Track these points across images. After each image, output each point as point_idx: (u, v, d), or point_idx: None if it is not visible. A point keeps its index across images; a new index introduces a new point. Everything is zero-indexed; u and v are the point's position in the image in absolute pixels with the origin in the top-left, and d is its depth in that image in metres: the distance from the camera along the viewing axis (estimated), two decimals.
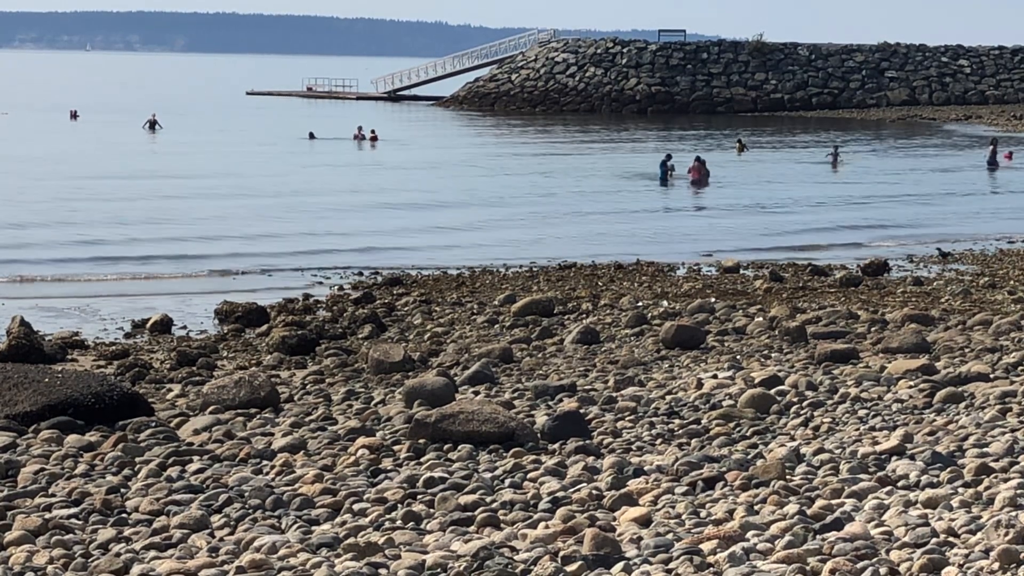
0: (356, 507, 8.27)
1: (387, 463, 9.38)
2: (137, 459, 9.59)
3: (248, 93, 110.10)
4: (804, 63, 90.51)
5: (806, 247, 26.97)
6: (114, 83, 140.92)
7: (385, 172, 45.08)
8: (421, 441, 9.82)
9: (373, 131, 59.09)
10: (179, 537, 7.72)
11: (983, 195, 39.41)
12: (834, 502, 7.98)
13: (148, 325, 17.19)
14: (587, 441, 9.83)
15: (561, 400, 11.60)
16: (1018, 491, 7.76)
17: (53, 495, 8.68)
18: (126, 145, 55.08)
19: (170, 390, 13.10)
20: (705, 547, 7.07)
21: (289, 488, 8.71)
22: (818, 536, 7.21)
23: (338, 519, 8.10)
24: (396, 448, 9.79)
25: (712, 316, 16.87)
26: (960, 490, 8.07)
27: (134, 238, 27.07)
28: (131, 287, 21.60)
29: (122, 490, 8.76)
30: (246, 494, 8.51)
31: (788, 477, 8.62)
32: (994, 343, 13.95)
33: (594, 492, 8.40)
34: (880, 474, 8.52)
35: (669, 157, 41.72)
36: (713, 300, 18.18)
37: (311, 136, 59.47)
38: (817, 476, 8.66)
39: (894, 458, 8.92)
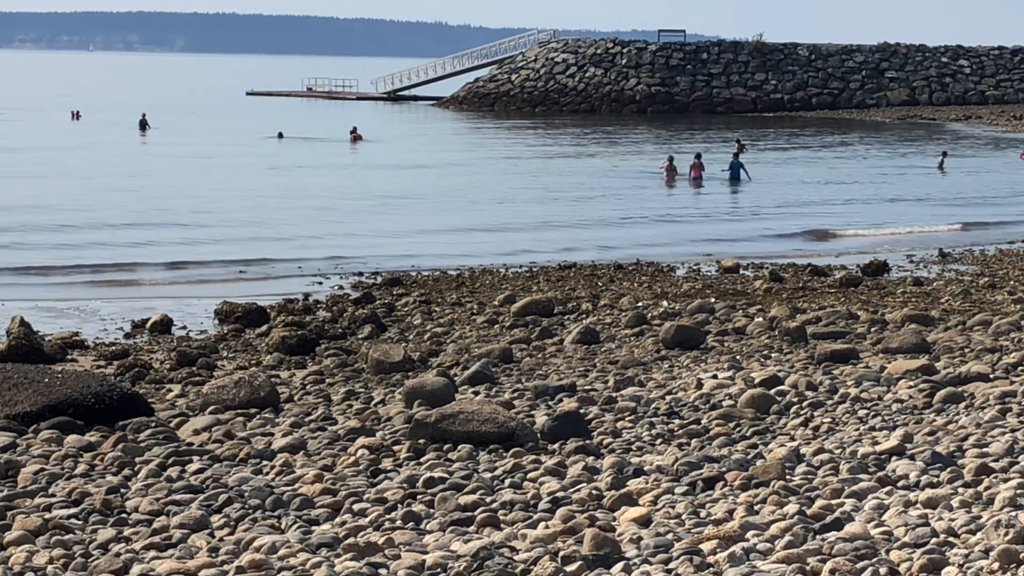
0: (356, 507, 8.26)
1: (387, 463, 9.38)
2: (137, 459, 9.58)
3: (248, 93, 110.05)
4: (804, 63, 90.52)
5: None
6: (115, 83, 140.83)
7: (383, 172, 45.03)
8: (421, 441, 9.82)
9: (355, 128, 58.60)
10: (179, 537, 7.72)
11: None
12: (834, 502, 7.98)
13: (148, 325, 17.18)
14: (587, 441, 9.82)
15: (561, 400, 11.59)
16: (1018, 491, 7.76)
17: (53, 495, 8.67)
18: (120, 145, 55.04)
19: (170, 390, 13.09)
20: (705, 547, 7.07)
21: (289, 488, 8.70)
22: (818, 536, 7.21)
23: (338, 519, 8.09)
24: (396, 448, 9.78)
25: (712, 316, 16.87)
26: (960, 490, 8.07)
27: (133, 237, 27.07)
28: (131, 286, 21.59)
29: (122, 490, 8.76)
30: (246, 494, 8.50)
31: (788, 477, 8.62)
32: (994, 343, 13.95)
33: (594, 492, 8.40)
34: (880, 474, 8.52)
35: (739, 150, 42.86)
36: (713, 300, 18.19)
37: (280, 136, 59.18)
38: (817, 476, 8.66)
39: (894, 458, 8.92)
